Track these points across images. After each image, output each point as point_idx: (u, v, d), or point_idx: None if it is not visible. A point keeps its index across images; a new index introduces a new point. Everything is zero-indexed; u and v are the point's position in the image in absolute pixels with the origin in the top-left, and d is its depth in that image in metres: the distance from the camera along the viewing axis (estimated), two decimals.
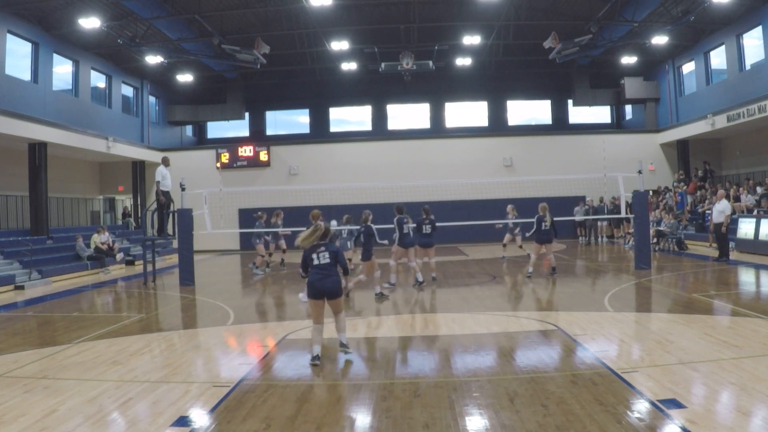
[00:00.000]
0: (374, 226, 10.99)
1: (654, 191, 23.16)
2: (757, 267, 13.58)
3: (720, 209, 14.86)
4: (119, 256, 19.74)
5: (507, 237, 17.16)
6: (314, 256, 6.42)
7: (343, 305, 6.87)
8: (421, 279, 12.16)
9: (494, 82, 29.88)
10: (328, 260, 6.41)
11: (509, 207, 16.76)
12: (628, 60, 25.57)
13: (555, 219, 13.06)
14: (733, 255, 16.32)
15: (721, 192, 16.07)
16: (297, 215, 19.33)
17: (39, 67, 19.86)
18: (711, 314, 8.25)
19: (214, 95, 29.86)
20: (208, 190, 16.33)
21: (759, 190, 18.86)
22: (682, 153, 25.28)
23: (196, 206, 15.20)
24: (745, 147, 23.02)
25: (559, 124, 30.58)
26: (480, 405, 4.91)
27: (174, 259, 19.60)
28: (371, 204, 19.24)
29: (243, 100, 29.94)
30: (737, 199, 19.13)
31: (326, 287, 6.36)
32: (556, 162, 25.19)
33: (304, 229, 6.72)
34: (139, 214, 24.54)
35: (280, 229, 16.92)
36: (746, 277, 12.63)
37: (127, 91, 26.50)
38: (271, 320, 9.31)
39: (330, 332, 8.30)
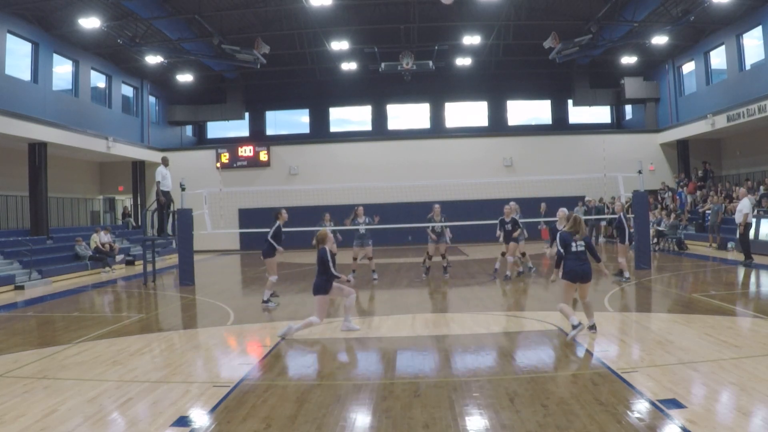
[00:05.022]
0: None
1: (650, 192, 23.09)
2: (758, 267, 13.56)
3: (739, 208, 13.98)
4: (119, 257, 19.74)
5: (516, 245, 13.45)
6: (573, 243, 7.25)
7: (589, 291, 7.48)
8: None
9: (494, 82, 29.88)
10: (583, 248, 7.27)
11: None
12: (628, 60, 25.55)
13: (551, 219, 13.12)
14: (733, 255, 16.33)
15: (742, 191, 15.03)
16: (297, 215, 19.38)
17: (39, 67, 19.86)
18: (711, 314, 8.24)
19: (214, 95, 29.85)
20: (208, 190, 16.33)
21: (761, 189, 18.84)
22: (682, 153, 25.28)
23: (196, 206, 15.20)
24: (745, 147, 23.01)
25: (559, 124, 30.57)
26: (480, 405, 4.91)
27: (174, 259, 19.59)
28: (371, 204, 19.25)
29: (243, 100, 29.93)
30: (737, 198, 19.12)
31: (585, 271, 7.18)
32: (556, 162, 25.19)
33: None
34: (139, 214, 24.53)
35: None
36: (746, 277, 12.62)
37: (127, 91, 26.50)
38: (271, 320, 9.30)
39: (331, 332, 8.30)
